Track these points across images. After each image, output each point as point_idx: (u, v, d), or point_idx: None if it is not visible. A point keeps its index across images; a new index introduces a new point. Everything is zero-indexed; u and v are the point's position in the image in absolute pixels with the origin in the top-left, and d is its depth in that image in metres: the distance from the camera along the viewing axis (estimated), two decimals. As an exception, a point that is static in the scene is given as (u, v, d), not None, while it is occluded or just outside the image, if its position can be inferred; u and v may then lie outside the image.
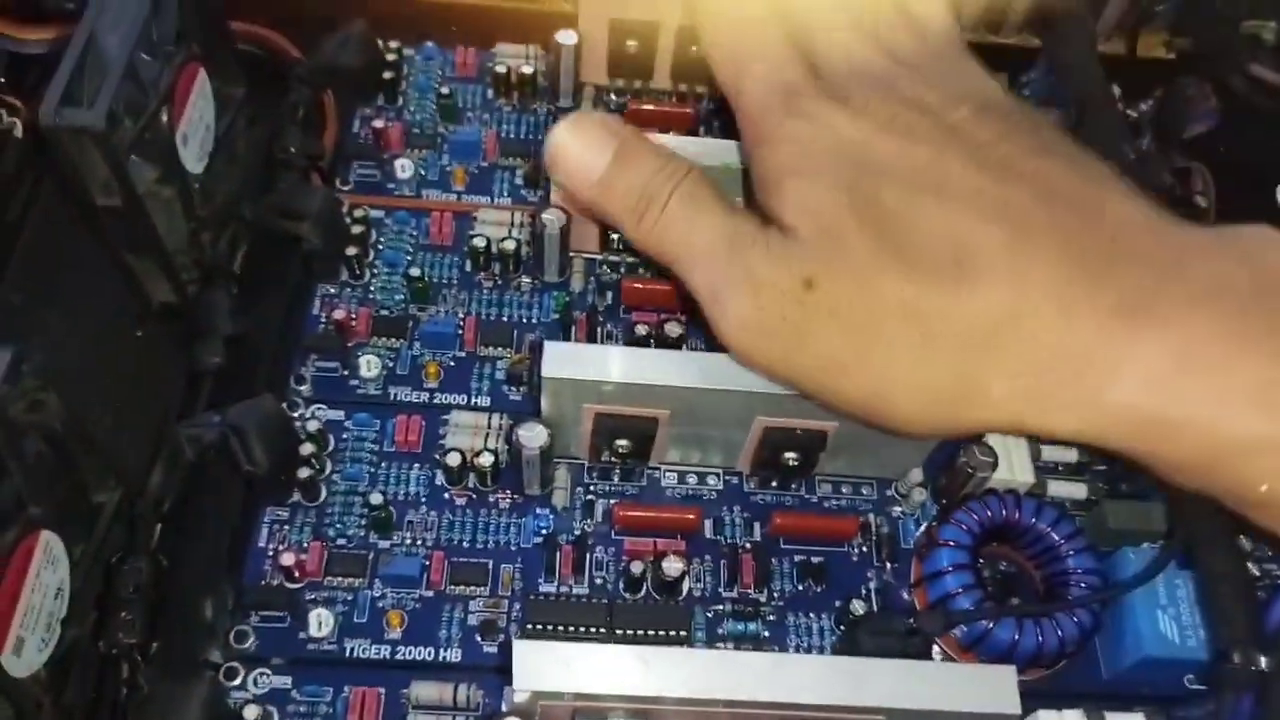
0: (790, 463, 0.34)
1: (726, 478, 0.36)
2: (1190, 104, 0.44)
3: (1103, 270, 0.26)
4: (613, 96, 0.44)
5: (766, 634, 0.33)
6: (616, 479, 0.35)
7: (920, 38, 0.32)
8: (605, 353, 0.32)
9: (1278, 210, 0.44)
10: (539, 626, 0.31)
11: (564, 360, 0.31)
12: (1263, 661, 0.28)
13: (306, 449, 0.33)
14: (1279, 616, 0.30)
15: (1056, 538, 0.33)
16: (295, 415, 0.35)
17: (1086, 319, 0.26)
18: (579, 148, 0.31)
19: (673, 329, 0.37)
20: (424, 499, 0.34)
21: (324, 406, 0.35)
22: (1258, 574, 0.35)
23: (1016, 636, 0.31)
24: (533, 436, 0.32)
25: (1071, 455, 0.36)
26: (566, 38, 0.41)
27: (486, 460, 0.33)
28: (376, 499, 0.33)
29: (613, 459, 0.34)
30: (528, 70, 0.43)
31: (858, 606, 0.33)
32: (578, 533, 0.34)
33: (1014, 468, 0.35)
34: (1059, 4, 0.43)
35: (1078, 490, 0.36)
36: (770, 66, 0.31)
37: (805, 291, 0.27)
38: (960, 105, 0.29)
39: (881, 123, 0.29)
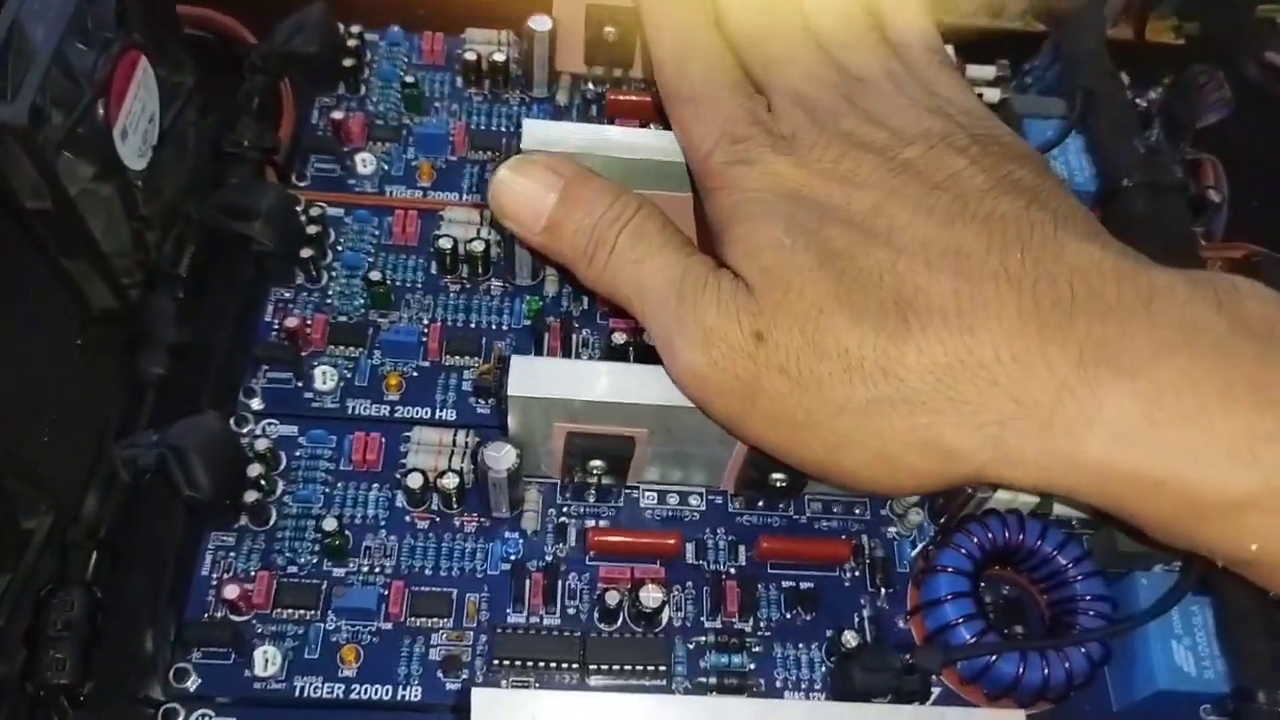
0: (778, 483, 0.31)
1: (710, 497, 0.33)
2: (1202, 93, 0.42)
3: (1060, 321, 0.24)
4: (590, 86, 0.41)
5: (752, 666, 0.31)
6: (592, 500, 0.33)
7: (890, 55, 0.31)
8: (577, 367, 0.29)
9: (1293, 202, 0.42)
10: (507, 662, 0.29)
11: (532, 377, 0.29)
12: (1289, 702, 0.26)
13: (254, 470, 0.31)
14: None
15: (1063, 562, 0.31)
16: (244, 431, 0.32)
17: (1045, 372, 0.24)
18: (522, 192, 0.29)
19: (649, 336, 0.34)
20: (383, 522, 0.32)
21: (275, 421, 0.33)
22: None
23: (1021, 670, 0.29)
24: (499, 458, 0.30)
25: (1078, 471, 0.34)
26: (540, 23, 0.39)
27: (451, 482, 0.31)
28: (330, 524, 0.30)
29: (587, 480, 0.32)
30: (499, 58, 0.40)
31: (850, 638, 0.30)
32: (549, 559, 0.31)
33: (1017, 486, 0.32)
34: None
35: (1085, 508, 0.33)
36: (718, 113, 0.30)
37: (756, 346, 0.26)
38: (913, 142, 0.28)
39: (827, 167, 0.28)
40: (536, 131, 0.33)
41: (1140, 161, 0.36)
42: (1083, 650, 0.29)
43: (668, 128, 0.32)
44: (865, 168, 0.28)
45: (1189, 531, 0.25)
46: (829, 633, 0.31)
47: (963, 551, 0.31)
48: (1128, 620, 0.30)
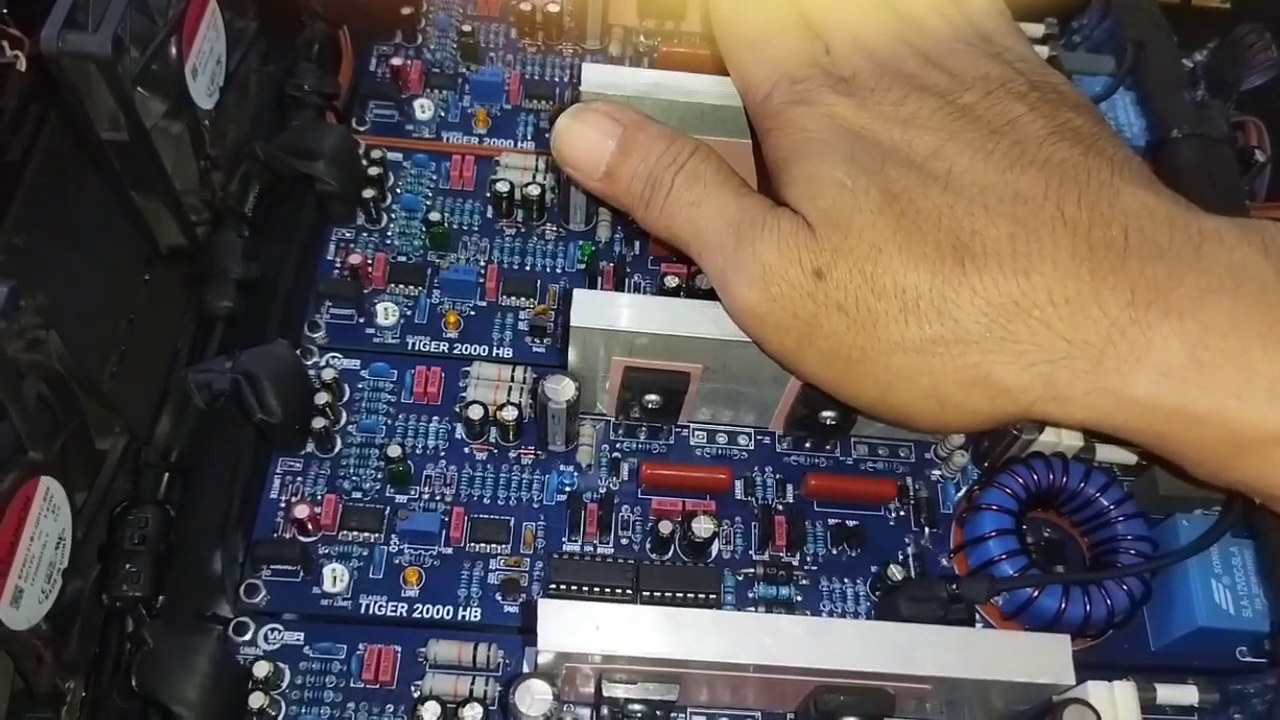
0: (828, 421, 0.32)
1: (758, 437, 0.34)
2: (1249, 54, 0.42)
3: (1114, 263, 0.25)
4: (642, 39, 0.42)
5: (799, 598, 0.31)
6: (643, 436, 0.34)
7: (948, 2, 0.31)
8: (637, 302, 0.30)
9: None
10: (562, 586, 0.30)
11: (593, 309, 0.29)
12: (1328, 638, 0.27)
13: (321, 398, 0.32)
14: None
15: (1105, 503, 0.32)
16: (309, 363, 0.33)
17: (1098, 312, 0.25)
18: (582, 139, 0.30)
19: (704, 281, 0.35)
20: (443, 453, 0.33)
21: (339, 355, 0.34)
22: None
23: (1063, 605, 0.30)
24: (559, 390, 0.30)
25: (1121, 418, 0.34)
26: (593, -25, 0.39)
27: (510, 414, 0.32)
28: (395, 451, 0.31)
29: (640, 416, 0.32)
30: (554, 9, 0.41)
31: (896, 571, 0.31)
32: (603, 491, 0.32)
33: (1061, 430, 0.33)
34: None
35: (1128, 454, 0.34)
36: (777, 55, 0.30)
37: (815, 284, 0.27)
38: (973, 86, 0.28)
39: (888, 109, 0.28)
40: (596, 76, 0.33)
41: (1190, 113, 0.37)
42: (1124, 587, 0.30)
43: (724, 74, 0.33)
44: (926, 110, 0.28)
45: (1228, 467, 0.26)
46: (874, 568, 0.32)
47: (1008, 491, 0.32)
48: (1170, 554, 0.30)
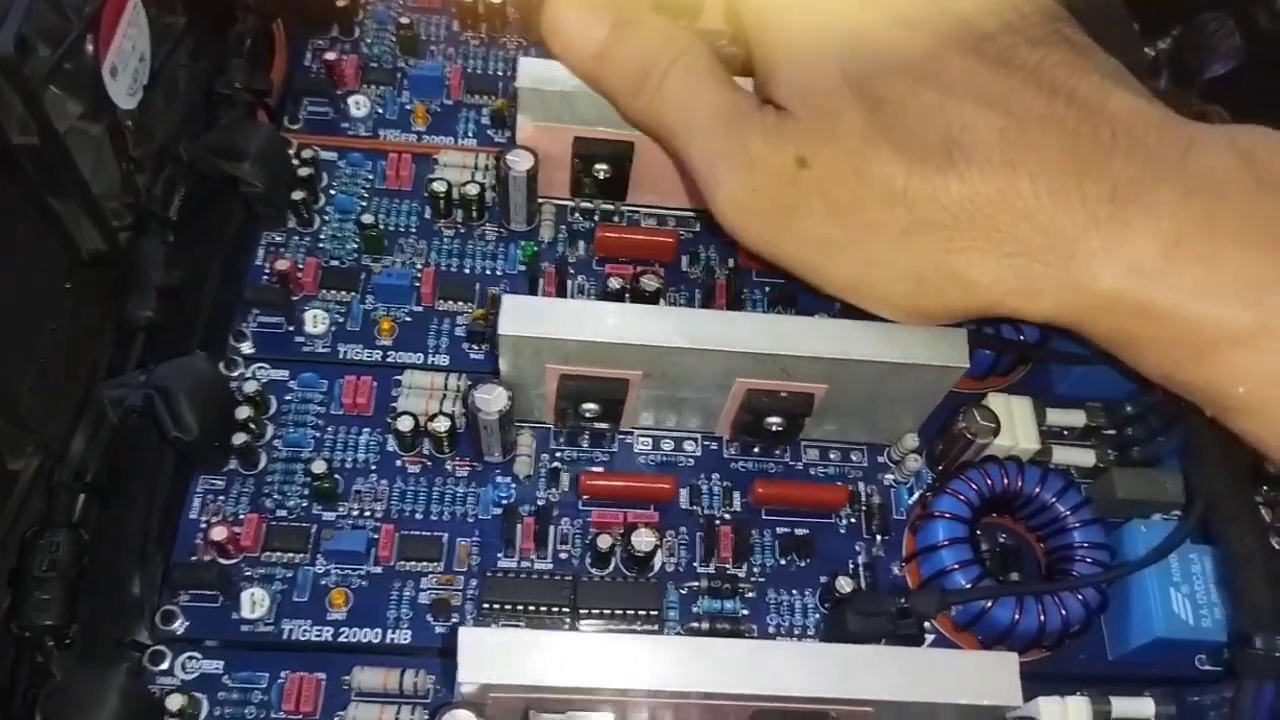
0: (773, 428, 0.31)
1: (705, 443, 0.33)
2: (1212, 41, 0.41)
3: (1100, 161, 0.25)
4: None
5: (745, 612, 0.30)
6: (585, 444, 0.32)
7: None
8: (570, 307, 0.29)
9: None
10: (497, 606, 0.29)
11: (524, 316, 0.28)
12: (1287, 647, 0.26)
13: (242, 412, 0.30)
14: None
15: (1062, 509, 0.31)
16: (234, 375, 0.32)
17: (1078, 205, 0.25)
18: (575, 18, 0.30)
19: (649, 282, 0.34)
20: (374, 466, 0.31)
21: (266, 365, 0.32)
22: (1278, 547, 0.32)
23: (1017, 616, 0.29)
24: (490, 400, 0.29)
25: (1079, 419, 0.34)
26: (536, -35, 0.38)
27: (441, 425, 0.31)
28: (319, 467, 0.30)
29: (580, 424, 0.31)
30: (496, 0, 0.39)
31: (844, 584, 0.30)
32: (541, 503, 0.31)
33: (1017, 433, 0.32)
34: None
35: (1085, 457, 0.33)
36: None
37: (798, 170, 0.27)
38: None
39: (882, 8, 0.28)
40: (532, 70, 0.32)
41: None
42: (1079, 596, 0.29)
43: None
44: (921, 11, 0.28)
45: (1185, 368, 0.26)
46: (823, 579, 0.31)
47: (961, 498, 0.31)
48: (1124, 565, 0.29)
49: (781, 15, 0.29)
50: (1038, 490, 0.31)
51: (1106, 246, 0.25)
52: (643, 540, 0.30)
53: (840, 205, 0.27)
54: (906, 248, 0.27)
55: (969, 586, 0.29)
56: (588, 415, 0.30)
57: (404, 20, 0.39)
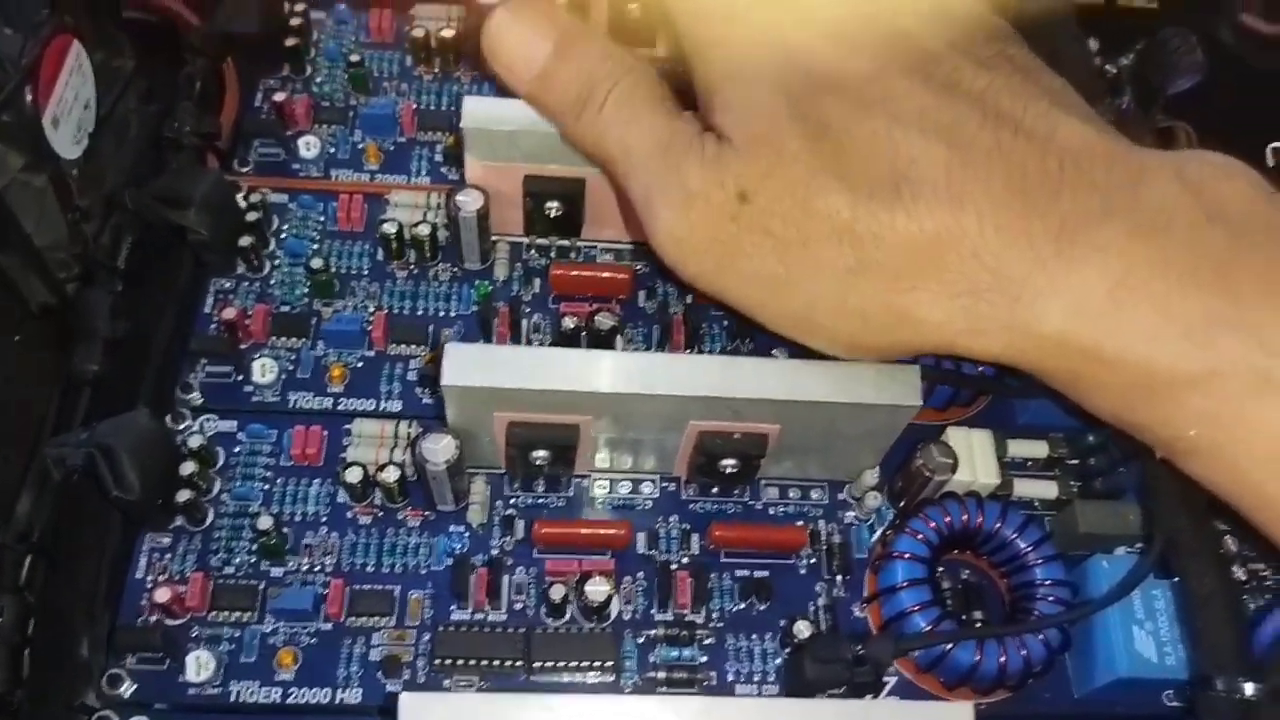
0: (728, 470, 0.30)
1: (663, 484, 0.32)
2: (1174, 57, 0.40)
3: (1047, 196, 0.25)
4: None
5: (704, 659, 0.30)
6: (540, 489, 0.32)
7: None
8: (515, 354, 0.28)
9: (1268, 170, 0.41)
10: (449, 661, 0.28)
11: (468, 365, 0.28)
12: (1248, 689, 0.25)
13: (187, 468, 0.30)
14: (1267, 640, 0.27)
15: (1023, 546, 0.30)
16: (181, 428, 0.32)
17: (1025, 243, 0.25)
18: (518, 38, 0.29)
19: (604, 320, 0.33)
20: (324, 519, 0.31)
21: (214, 416, 0.32)
22: (1244, 577, 0.31)
23: (978, 658, 0.28)
24: (437, 450, 0.29)
25: (1041, 450, 0.33)
26: (489, -2, 0.37)
27: (391, 475, 0.30)
28: (265, 522, 0.29)
29: (531, 471, 0.31)
30: (449, 34, 0.39)
31: (803, 628, 0.30)
32: (495, 552, 0.31)
33: (976, 468, 0.32)
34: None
35: (1047, 489, 0.33)
36: None
37: (739, 205, 0.26)
38: (912, 10, 0.28)
39: (826, 28, 0.27)
40: (477, 110, 0.32)
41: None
42: (1040, 637, 0.29)
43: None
44: (865, 33, 0.27)
45: (1135, 411, 0.25)
46: (783, 623, 0.30)
47: (919, 537, 0.30)
48: (1085, 605, 0.29)
49: (720, 36, 0.28)
50: (998, 527, 0.30)
51: (1053, 286, 0.24)
52: (596, 590, 0.29)
53: (784, 242, 0.26)
54: (853, 286, 0.26)
55: (928, 628, 0.29)
56: (539, 462, 0.30)
57: (354, 58, 0.38)
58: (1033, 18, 0.36)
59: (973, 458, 0.32)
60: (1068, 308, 0.24)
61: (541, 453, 0.30)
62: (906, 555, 0.30)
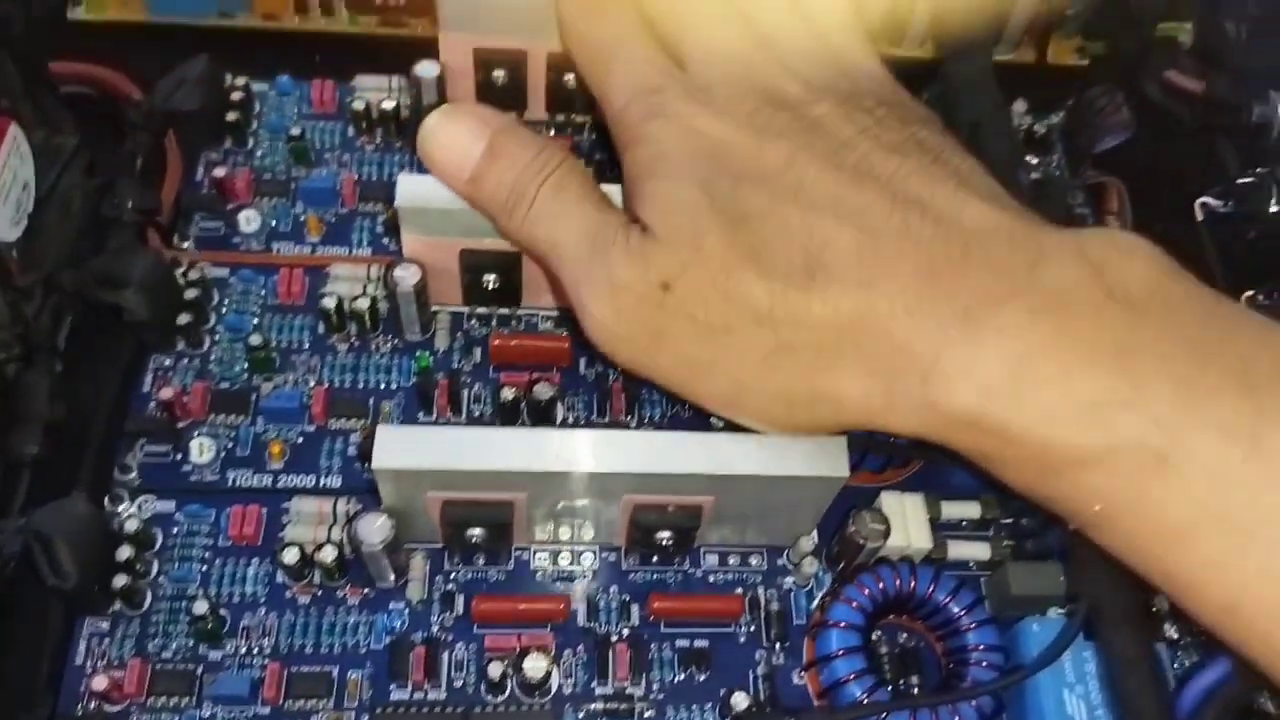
0: (664, 542, 0.31)
1: (603, 555, 0.33)
2: (1101, 116, 0.42)
3: (953, 278, 0.26)
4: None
5: (644, 732, 0.30)
6: (480, 563, 0.32)
7: (801, 21, 0.31)
8: (445, 436, 0.29)
9: (1196, 225, 0.42)
10: (387, 742, 0.29)
11: (399, 447, 0.28)
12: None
13: (124, 553, 0.30)
14: (1189, 706, 0.27)
15: (955, 610, 0.31)
16: (119, 510, 0.32)
17: (933, 325, 0.25)
18: (450, 143, 0.30)
19: (543, 390, 0.34)
20: (263, 599, 0.31)
21: (152, 497, 0.32)
22: (1175, 635, 0.32)
23: (912, 726, 0.29)
24: (373, 530, 0.29)
25: (974, 511, 0.34)
26: (427, 70, 0.38)
27: (329, 555, 0.30)
28: (200, 607, 0.29)
29: (468, 547, 0.31)
30: (389, 105, 0.39)
31: (740, 700, 0.30)
32: (435, 628, 0.31)
33: (910, 533, 0.32)
34: (958, 20, 0.40)
35: (981, 551, 0.33)
36: (632, 67, 0.30)
37: (663, 294, 0.27)
38: (824, 98, 0.29)
39: (741, 120, 0.28)
40: (411, 188, 0.32)
41: (1026, 195, 0.36)
42: (973, 704, 0.29)
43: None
44: (779, 122, 0.28)
45: (1042, 485, 0.26)
46: (723, 692, 0.31)
47: (854, 605, 0.31)
48: (1016, 671, 0.29)
49: (642, 133, 0.29)
50: (931, 591, 0.31)
51: (958, 367, 0.25)
52: (534, 667, 0.29)
53: (707, 328, 0.27)
54: (775, 368, 0.27)
55: (863, 697, 0.29)
56: (474, 539, 0.30)
57: (295, 131, 0.39)
58: (955, 88, 0.37)
59: (906, 522, 0.32)
60: (973, 387, 0.25)
61: (477, 530, 0.30)
62: (842, 624, 0.30)
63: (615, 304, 0.27)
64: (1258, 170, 0.41)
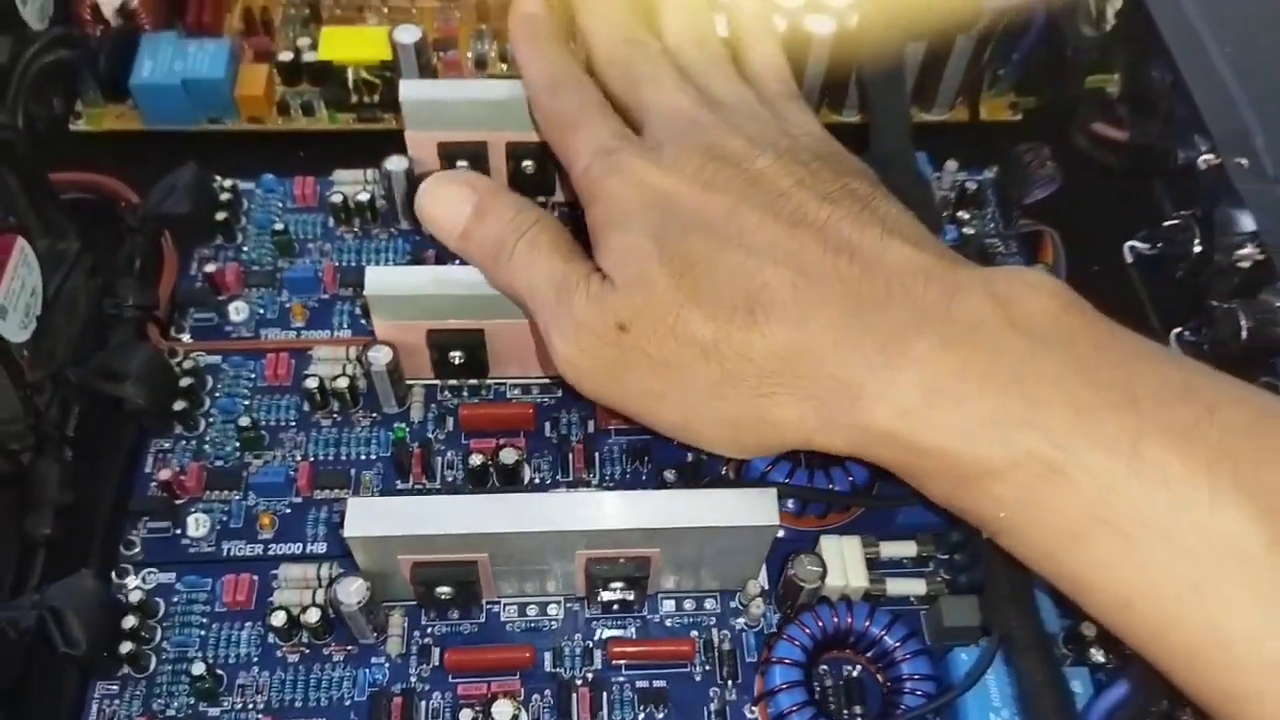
0: (618, 591, 0.34)
1: (568, 605, 0.35)
2: (1029, 170, 0.44)
3: (875, 314, 0.29)
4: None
5: (607, 768, 0.33)
6: (454, 617, 0.35)
7: (744, 84, 0.36)
8: (410, 506, 0.31)
9: (1126, 267, 0.44)
10: (368, 787, 0.31)
11: (368, 516, 0.31)
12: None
13: (129, 622, 0.33)
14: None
15: (891, 643, 0.33)
16: (125, 582, 0.35)
17: (858, 356, 0.29)
18: (444, 204, 0.35)
19: (508, 455, 0.37)
20: (255, 659, 0.34)
21: (155, 570, 0.35)
22: (1102, 659, 0.34)
23: (850, 753, 0.31)
24: (350, 592, 0.32)
25: (911, 550, 0.36)
26: (396, 164, 0.41)
27: (313, 616, 0.33)
28: (198, 669, 0.32)
29: (439, 604, 0.34)
30: (364, 197, 0.43)
31: (692, 734, 0.32)
32: (412, 680, 0.34)
33: (848, 573, 0.35)
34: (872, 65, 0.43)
35: (917, 587, 0.35)
36: (591, 133, 0.34)
37: (619, 334, 0.30)
38: (765, 154, 0.32)
39: (689, 175, 0.32)
40: (378, 278, 0.35)
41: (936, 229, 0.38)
42: (906, 730, 0.31)
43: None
44: (723, 176, 0.32)
45: (956, 496, 0.29)
46: (680, 728, 0.33)
47: (795, 642, 0.33)
48: (943, 694, 0.32)
49: (598, 188, 0.33)
50: (867, 626, 0.33)
51: (880, 392, 0.29)
52: (501, 711, 0.32)
53: (660, 362, 0.30)
54: (722, 396, 0.30)
55: (804, 727, 0.32)
56: (444, 597, 0.33)
57: (278, 226, 0.42)
58: (876, 153, 0.40)
59: (844, 563, 0.35)
60: (893, 409, 0.28)
61: (445, 588, 0.33)
62: (785, 660, 0.33)
63: (579, 343, 0.31)
64: (1181, 213, 0.43)
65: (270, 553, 0.36)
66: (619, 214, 0.32)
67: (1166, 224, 0.44)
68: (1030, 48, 0.48)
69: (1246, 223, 0.39)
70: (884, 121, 0.41)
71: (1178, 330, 0.42)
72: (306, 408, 0.39)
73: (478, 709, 0.33)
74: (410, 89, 0.40)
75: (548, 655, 0.34)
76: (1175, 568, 0.25)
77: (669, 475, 0.37)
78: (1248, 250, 0.40)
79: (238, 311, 0.41)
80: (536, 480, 0.38)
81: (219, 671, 0.33)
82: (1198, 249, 0.42)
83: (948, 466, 0.28)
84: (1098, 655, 0.34)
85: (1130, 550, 0.26)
